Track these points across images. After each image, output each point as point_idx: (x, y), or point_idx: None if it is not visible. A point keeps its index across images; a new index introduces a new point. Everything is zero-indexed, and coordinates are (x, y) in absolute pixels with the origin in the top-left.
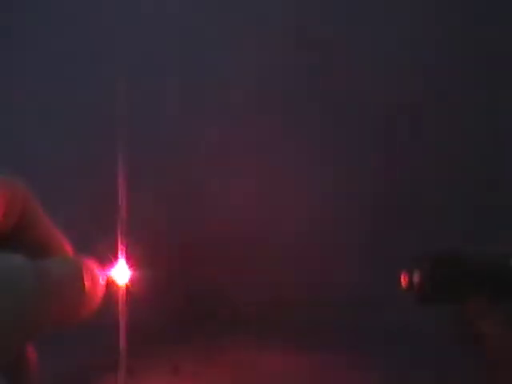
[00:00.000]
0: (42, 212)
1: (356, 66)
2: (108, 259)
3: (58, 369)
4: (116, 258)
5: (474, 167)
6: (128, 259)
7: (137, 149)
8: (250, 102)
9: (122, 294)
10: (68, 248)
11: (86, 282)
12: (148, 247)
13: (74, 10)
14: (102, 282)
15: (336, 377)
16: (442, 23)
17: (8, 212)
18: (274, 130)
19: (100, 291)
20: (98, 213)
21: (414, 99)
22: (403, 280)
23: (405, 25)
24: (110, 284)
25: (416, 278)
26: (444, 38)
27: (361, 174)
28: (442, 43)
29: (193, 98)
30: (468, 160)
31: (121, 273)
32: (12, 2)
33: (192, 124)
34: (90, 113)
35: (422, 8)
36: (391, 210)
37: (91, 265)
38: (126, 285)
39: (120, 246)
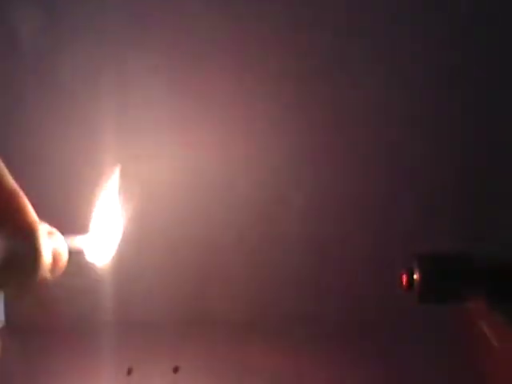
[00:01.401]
0: (6, 171)
1: (356, 63)
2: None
3: (58, 368)
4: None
5: (474, 167)
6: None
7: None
8: (249, 100)
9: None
10: (30, 213)
11: (42, 252)
12: (147, 247)
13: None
14: (60, 249)
15: (336, 377)
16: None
17: None
18: (275, 129)
19: (59, 260)
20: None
21: (414, 97)
22: (403, 280)
23: (405, 24)
24: (72, 252)
25: (416, 277)
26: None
27: (361, 173)
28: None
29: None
30: (468, 160)
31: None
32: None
33: (193, 117)
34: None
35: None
36: (391, 210)
37: (51, 233)
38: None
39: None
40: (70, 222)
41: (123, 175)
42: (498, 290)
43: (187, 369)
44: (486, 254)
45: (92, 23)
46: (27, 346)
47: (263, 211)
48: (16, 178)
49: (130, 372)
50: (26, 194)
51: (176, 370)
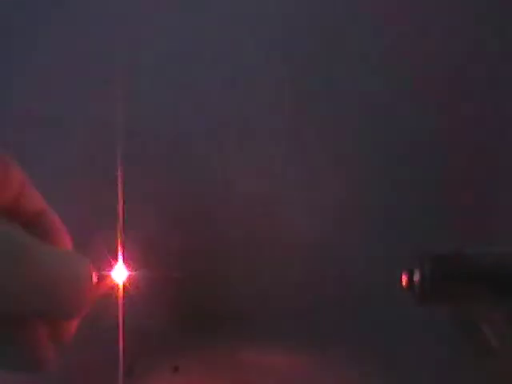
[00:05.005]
0: (40, 197)
1: (357, 63)
2: (105, 259)
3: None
4: (113, 257)
5: (475, 167)
6: (125, 259)
7: (135, 146)
8: (253, 99)
9: (119, 294)
10: (69, 241)
11: (93, 280)
12: (146, 247)
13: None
14: (98, 280)
15: (336, 377)
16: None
17: (5, 185)
18: (275, 129)
19: (99, 290)
20: (96, 212)
21: (414, 97)
22: (403, 280)
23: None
24: (108, 283)
25: (416, 277)
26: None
27: (361, 173)
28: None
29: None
30: (468, 160)
31: (118, 272)
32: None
33: (193, 118)
34: (89, 110)
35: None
36: (391, 210)
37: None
38: (124, 285)
39: (118, 246)
40: None
41: None
42: (498, 290)
43: (187, 369)
44: (486, 254)
45: None
46: None
47: (263, 211)
48: None
49: (130, 372)
50: None
51: (176, 369)
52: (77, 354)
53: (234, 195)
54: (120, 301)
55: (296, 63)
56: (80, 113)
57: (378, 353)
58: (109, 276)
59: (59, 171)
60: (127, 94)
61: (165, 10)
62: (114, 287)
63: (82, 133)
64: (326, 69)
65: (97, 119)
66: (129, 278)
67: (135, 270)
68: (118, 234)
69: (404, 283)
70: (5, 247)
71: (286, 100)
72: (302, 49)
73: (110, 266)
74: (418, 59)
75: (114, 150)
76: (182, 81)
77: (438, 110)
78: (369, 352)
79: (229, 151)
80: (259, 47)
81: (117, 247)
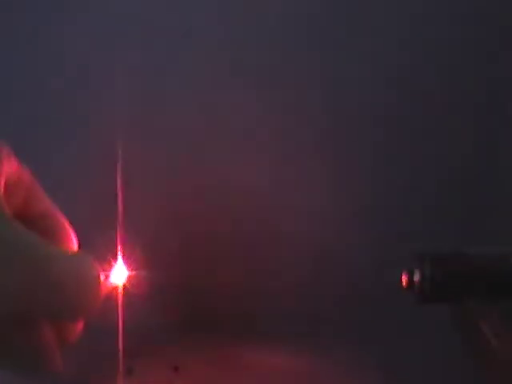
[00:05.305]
0: (48, 199)
1: (356, 63)
2: (107, 259)
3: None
4: (114, 257)
5: (474, 167)
6: (126, 259)
7: (136, 145)
8: (250, 95)
9: (119, 293)
10: (75, 241)
11: (101, 279)
12: (146, 247)
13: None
14: (104, 279)
15: (336, 377)
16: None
17: (18, 187)
18: (274, 129)
19: (106, 290)
20: (96, 212)
21: (414, 98)
22: (403, 280)
23: (405, 25)
24: (110, 283)
25: (416, 277)
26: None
27: (360, 174)
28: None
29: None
30: (468, 160)
31: (119, 272)
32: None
33: (194, 118)
34: (89, 110)
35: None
36: (391, 210)
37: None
38: (124, 285)
39: (118, 246)
40: None
41: None
42: (498, 289)
43: (187, 369)
44: (486, 254)
45: None
46: None
47: (263, 212)
48: None
49: (130, 372)
50: None
51: (176, 369)
52: (77, 353)
53: (234, 195)
54: (120, 301)
55: (296, 63)
56: (80, 112)
57: (378, 353)
58: (112, 276)
59: (59, 171)
60: (127, 94)
61: (164, 9)
62: (118, 287)
63: (82, 133)
64: (325, 68)
65: (97, 119)
66: (129, 278)
67: (135, 270)
68: (118, 235)
69: (404, 283)
70: (17, 249)
71: (285, 100)
72: (301, 48)
73: (111, 266)
74: (418, 59)
75: (114, 150)
76: (181, 80)
77: (437, 109)
78: (369, 352)
79: (229, 151)
80: (259, 47)
81: (116, 247)
